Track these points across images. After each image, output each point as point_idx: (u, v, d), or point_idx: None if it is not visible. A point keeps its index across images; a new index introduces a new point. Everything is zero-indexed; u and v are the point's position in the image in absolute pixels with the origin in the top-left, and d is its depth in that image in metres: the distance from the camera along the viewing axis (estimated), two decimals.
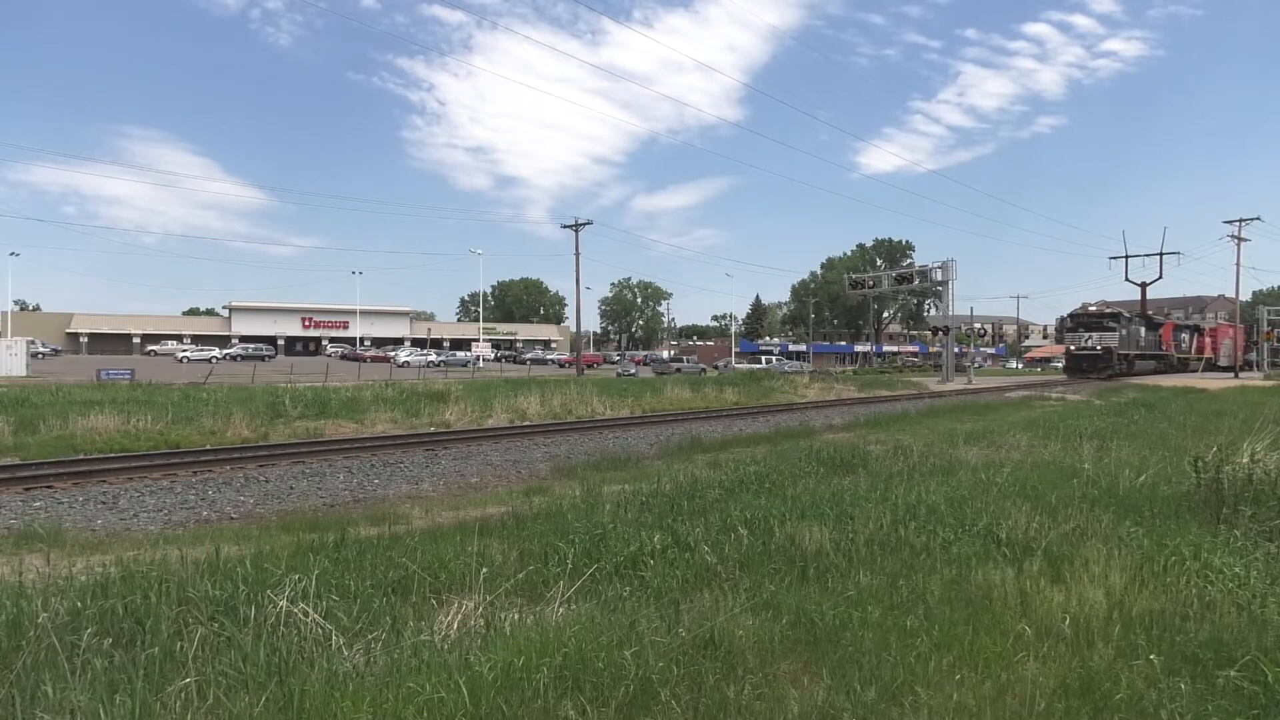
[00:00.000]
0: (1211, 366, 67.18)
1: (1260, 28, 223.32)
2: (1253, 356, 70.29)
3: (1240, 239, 59.01)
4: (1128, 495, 8.23)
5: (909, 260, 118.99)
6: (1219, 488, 7.39)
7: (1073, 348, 54.58)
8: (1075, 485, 8.75)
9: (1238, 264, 60.47)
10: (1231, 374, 61.49)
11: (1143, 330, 58.03)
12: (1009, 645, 4.29)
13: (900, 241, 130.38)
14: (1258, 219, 69.34)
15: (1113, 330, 53.00)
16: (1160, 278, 69.72)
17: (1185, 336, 66.37)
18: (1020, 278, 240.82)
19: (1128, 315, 55.55)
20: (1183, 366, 63.73)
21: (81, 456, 14.51)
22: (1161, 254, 69.57)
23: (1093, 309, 55.22)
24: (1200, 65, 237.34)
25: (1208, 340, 69.86)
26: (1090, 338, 53.54)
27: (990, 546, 6.27)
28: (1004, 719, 3.60)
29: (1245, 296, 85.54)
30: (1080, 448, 12.51)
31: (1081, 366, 53.32)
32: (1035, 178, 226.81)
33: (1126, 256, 71.43)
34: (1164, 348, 60.59)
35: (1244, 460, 7.80)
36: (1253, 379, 50.51)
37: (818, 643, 4.36)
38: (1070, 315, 56.10)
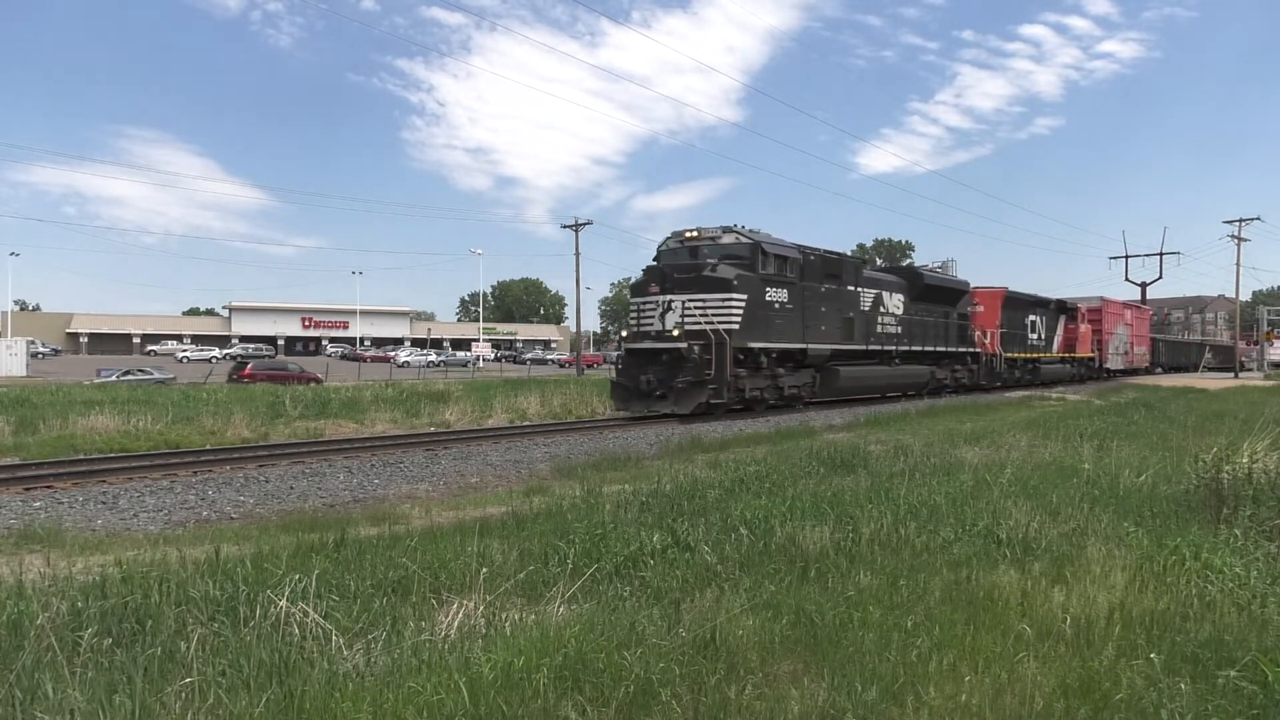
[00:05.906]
0: (1094, 372, 42.97)
1: (1256, 28, 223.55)
2: (1253, 357, 69.98)
3: (1240, 239, 59.14)
4: (1128, 495, 8.23)
5: (909, 260, 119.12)
6: (1219, 487, 7.38)
7: (625, 334, 23.51)
8: (1076, 485, 8.75)
9: (1238, 264, 60.40)
10: (1101, 379, 42.86)
11: (893, 298, 26.73)
12: (1009, 645, 4.29)
13: (900, 241, 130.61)
14: (1258, 219, 69.20)
15: (732, 293, 20.32)
16: (1160, 278, 69.81)
17: (1036, 320, 36.82)
18: (1020, 277, 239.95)
19: (816, 255, 23.53)
20: (1028, 374, 36.06)
21: (81, 456, 14.49)
22: (1161, 254, 69.87)
23: (691, 234, 21.75)
24: (1198, 66, 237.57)
25: (1085, 329, 41.42)
26: (670, 307, 20.65)
27: (991, 546, 6.27)
28: (1004, 718, 3.60)
29: (1245, 296, 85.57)
30: (1080, 448, 12.51)
31: (639, 383, 20.92)
32: (1034, 178, 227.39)
33: (1126, 256, 71.67)
34: (971, 342, 31.47)
35: (1244, 460, 7.80)
36: (1253, 379, 50.51)
37: (818, 643, 4.36)
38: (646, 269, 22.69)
